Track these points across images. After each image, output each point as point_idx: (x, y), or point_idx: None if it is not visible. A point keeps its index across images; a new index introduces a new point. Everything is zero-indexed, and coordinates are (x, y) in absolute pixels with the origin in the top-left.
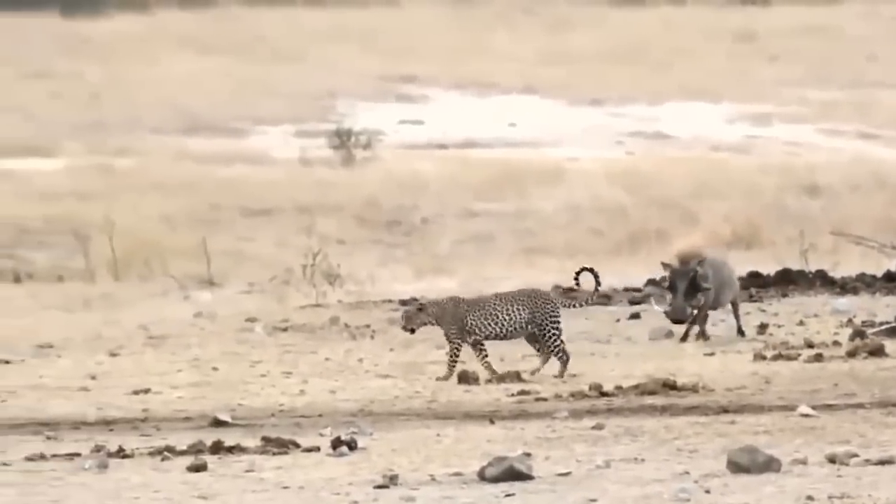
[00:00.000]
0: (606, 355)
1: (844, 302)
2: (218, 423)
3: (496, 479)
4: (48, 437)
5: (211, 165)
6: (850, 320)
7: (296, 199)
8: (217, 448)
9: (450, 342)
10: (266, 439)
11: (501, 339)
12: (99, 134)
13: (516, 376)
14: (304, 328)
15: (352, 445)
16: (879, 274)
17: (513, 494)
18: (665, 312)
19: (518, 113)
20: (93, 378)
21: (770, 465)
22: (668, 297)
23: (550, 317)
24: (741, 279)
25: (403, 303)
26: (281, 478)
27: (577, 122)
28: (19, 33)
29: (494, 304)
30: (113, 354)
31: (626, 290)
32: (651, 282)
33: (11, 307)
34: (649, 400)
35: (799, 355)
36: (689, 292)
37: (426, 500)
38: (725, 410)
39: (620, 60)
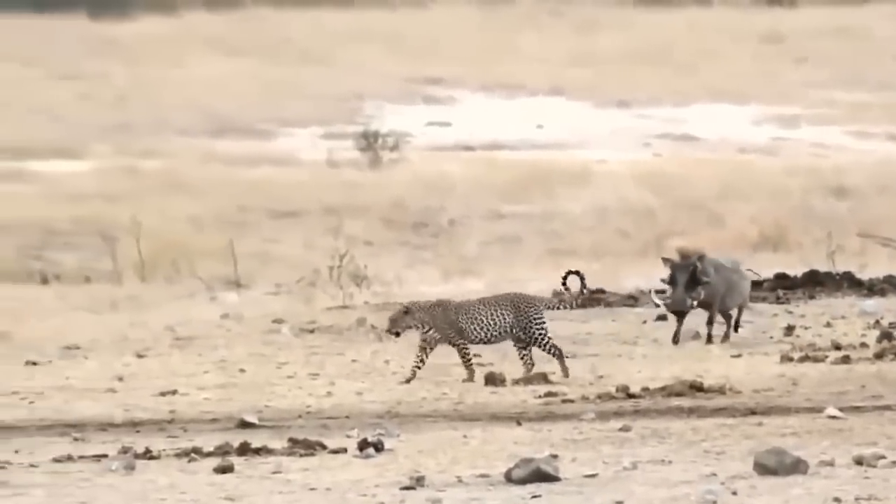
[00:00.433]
0: (633, 357)
1: (872, 303)
2: (245, 425)
3: (523, 481)
4: (75, 439)
5: (238, 167)
6: (877, 322)
7: (323, 201)
8: (244, 449)
9: (456, 346)
10: (293, 441)
11: (486, 343)
12: (126, 135)
13: (543, 378)
14: (330, 330)
15: (378, 447)
16: None
17: (539, 496)
18: (665, 304)
19: (545, 114)
20: (120, 379)
21: (797, 466)
22: (669, 290)
23: (534, 319)
24: (768, 281)
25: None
26: (308, 479)
27: (604, 124)
28: (47, 35)
29: (479, 308)
30: (140, 356)
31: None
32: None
33: (39, 308)
34: (676, 402)
35: (826, 357)
36: (689, 285)
37: (453, 501)
38: (752, 412)
39: (647, 62)
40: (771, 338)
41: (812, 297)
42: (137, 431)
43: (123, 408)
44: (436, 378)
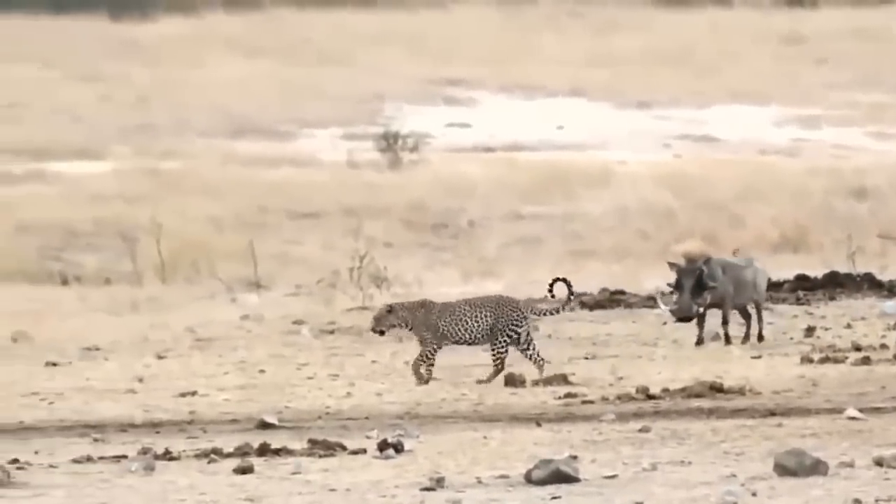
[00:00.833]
0: (653, 358)
1: (892, 304)
2: (264, 426)
3: (542, 482)
4: (95, 440)
5: (258, 168)
6: None
7: (343, 202)
8: (264, 450)
9: (423, 346)
10: (312, 441)
11: (469, 344)
12: (146, 136)
13: (563, 379)
14: (350, 331)
15: (398, 448)
16: None
17: (559, 497)
18: (671, 310)
19: (565, 116)
20: (140, 380)
21: (817, 467)
22: (675, 295)
23: (511, 324)
24: (788, 282)
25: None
26: (327, 480)
27: (624, 125)
28: (68, 36)
29: (463, 309)
30: (160, 357)
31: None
32: None
33: (59, 309)
34: (696, 403)
35: (846, 358)
36: (695, 290)
37: (472, 502)
38: (772, 413)
39: (667, 63)
40: (791, 339)
41: (832, 299)
42: (157, 432)
43: (143, 409)
44: (455, 379)
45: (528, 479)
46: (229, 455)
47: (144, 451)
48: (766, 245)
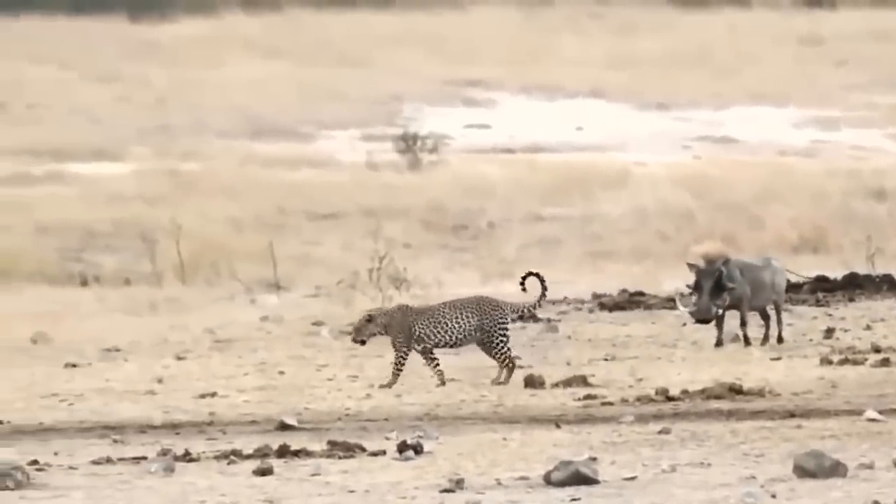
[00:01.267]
0: (673, 360)
1: None
2: (284, 427)
3: (562, 484)
4: (115, 441)
5: (277, 169)
6: None
7: (362, 203)
8: (283, 452)
9: (396, 350)
10: (332, 443)
11: (451, 346)
12: (165, 137)
13: (582, 381)
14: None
15: (418, 449)
16: None
17: (579, 499)
18: (690, 312)
19: (585, 117)
20: (159, 382)
21: (836, 469)
22: (694, 297)
23: (498, 324)
24: (808, 283)
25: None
26: (347, 482)
27: (643, 127)
28: (86, 37)
29: (443, 312)
30: (179, 358)
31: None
32: None
33: (79, 311)
34: (715, 404)
35: (866, 360)
36: (714, 292)
37: None
38: (792, 415)
39: (687, 64)
40: (810, 340)
41: (852, 300)
42: (177, 433)
43: (163, 410)
44: (475, 381)
45: (548, 481)
46: (249, 456)
47: (164, 453)
48: (785, 246)
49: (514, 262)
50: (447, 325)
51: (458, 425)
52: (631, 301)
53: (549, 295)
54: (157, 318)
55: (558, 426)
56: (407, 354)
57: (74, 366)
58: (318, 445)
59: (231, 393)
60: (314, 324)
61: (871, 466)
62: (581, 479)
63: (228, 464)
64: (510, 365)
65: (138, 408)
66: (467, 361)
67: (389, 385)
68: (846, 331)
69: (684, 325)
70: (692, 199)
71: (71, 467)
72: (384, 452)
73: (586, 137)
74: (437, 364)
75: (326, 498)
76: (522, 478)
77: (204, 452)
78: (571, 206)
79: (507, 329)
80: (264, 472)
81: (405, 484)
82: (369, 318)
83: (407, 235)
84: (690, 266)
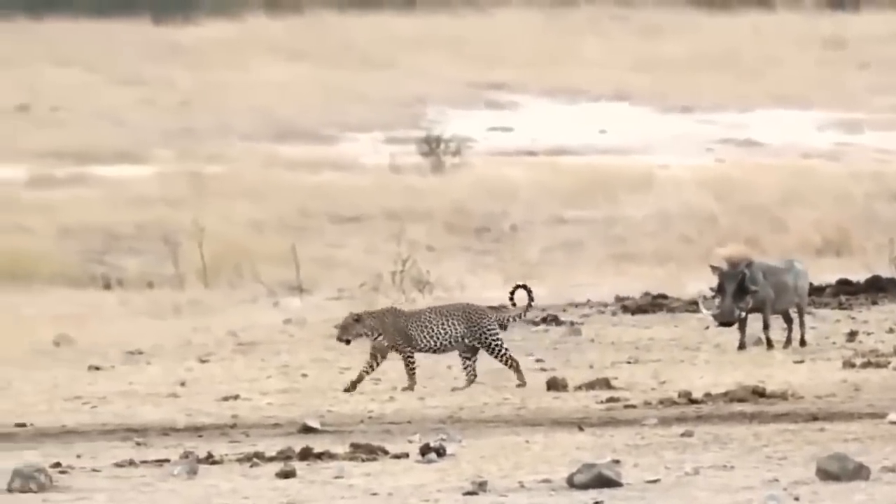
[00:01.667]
0: (696, 362)
1: None
2: (307, 430)
3: (585, 486)
4: (138, 444)
5: (300, 172)
6: None
7: (385, 206)
8: (306, 454)
9: (402, 353)
10: (355, 446)
11: (435, 352)
12: (189, 140)
13: (605, 384)
14: None
15: (440, 452)
16: None
17: (601, 502)
18: (713, 315)
19: (608, 120)
20: (182, 384)
21: (860, 472)
22: (717, 300)
23: (488, 329)
24: (830, 286)
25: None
26: (370, 484)
27: (667, 129)
28: (110, 40)
29: (430, 317)
30: (202, 361)
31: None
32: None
33: (102, 313)
34: (738, 407)
35: (889, 363)
36: (737, 295)
37: None
38: (815, 418)
39: (711, 67)
40: (833, 343)
41: (875, 303)
42: (200, 436)
43: (186, 413)
44: (497, 383)
45: (571, 484)
46: (272, 459)
47: (187, 455)
48: (808, 249)
49: (537, 265)
50: (434, 331)
51: (481, 428)
52: (654, 304)
53: (573, 297)
54: (180, 321)
55: (581, 429)
56: (412, 353)
57: (97, 368)
58: (340, 448)
59: (254, 395)
60: (337, 327)
61: (894, 469)
62: (604, 481)
63: (251, 466)
64: (515, 364)
65: (161, 410)
66: (490, 364)
67: (410, 387)
68: (869, 334)
69: (707, 328)
70: (715, 201)
71: (94, 470)
72: (407, 455)
73: (609, 140)
74: (413, 368)
75: (349, 501)
76: (545, 480)
77: (227, 455)
78: (594, 208)
79: (497, 333)
80: (287, 474)
81: (428, 487)
82: (356, 319)
83: (430, 238)
84: (714, 269)
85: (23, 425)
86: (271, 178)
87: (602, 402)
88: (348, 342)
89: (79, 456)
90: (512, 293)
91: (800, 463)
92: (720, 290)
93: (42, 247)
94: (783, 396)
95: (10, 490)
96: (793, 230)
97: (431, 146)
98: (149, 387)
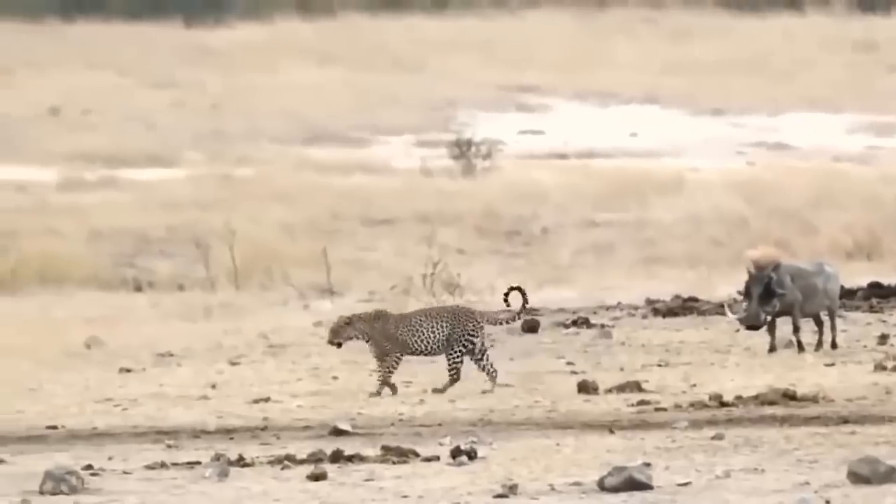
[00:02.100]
0: (726, 365)
1: None
2: (338, 432)
3: (616, 489)
4: (169, 446)
5: (331, 175)
6: None
7: (416, 209)
8: (337, 457)
9: (386, 357)
10: (386, 448)
11: (425, 354)
12: (220, 143)
13: (636, 386)
14: None
15: (471, 455)
16: None
17: None
18: (739, 319)
19: (639, 123)
20: (213, 387)
21: (891, 475)
22: (744, 303)
23: (466, 334)
24: (861, 289)
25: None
26: (400, 487)
27: (697, 133)
28: (142, 43)
29: (420, 320)
30: (233, 363)
31: None
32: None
33: (133, 316)
34: (769, 410)
35: None
36: (763, 298)
37: None
38: (846, 421)
39: (741, 71)
40: (864, 346)
41: None
42: (231, 438)
43: (217, 415)
44: (528, 386)
45: (602, 487)
46: (303, 461)
47: (218, 458)
48: (839, 252)
49: (568, 268)
50: (423, 334)
51: (512, 431)
52: (684, 307)
53: (604, 300)
54: (211, 324)
55: (612, 432)
56: (399, 360)
57: (128, 371)
58: (371, 450)
59: (285, 398)
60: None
61: None
62: (635, 484)
63: (282, 469)
64: (454, 377)
65: (192, 413)
66: (520, 366)
67: (378, 392)
68: None
69: (737, 330)
70: (746, 204)
71: (125, 472)
72: (438, 458)
73: (640, 143)
74: (390, 375)
75: (380, 503)
76: (576, 483)
77: (258, 457)
78: (625, 211)
79: (473, 340)
80: (318, 477)
81: (459, 489)
82: (348, 321)
83: (460, 241)
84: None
85: (54, 427)
86: (302, 181)
87: (633, 404)
88: (339, 345)
89: (110, 458)
90: (506, 295)
91: (831, 466)
92: (746, 293)
93: (73, 250)
94: (814, 399)
95: (41, 492)
96: (823, 233)
97: (462, 149)
98: (180, 389)
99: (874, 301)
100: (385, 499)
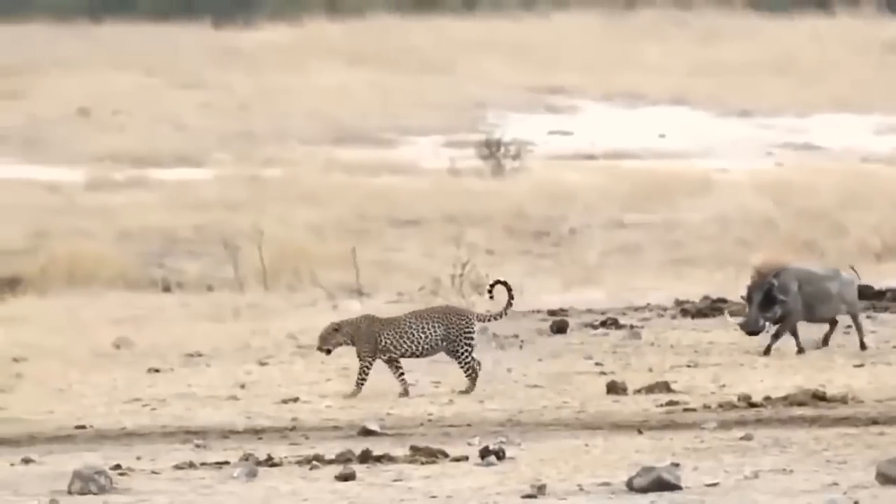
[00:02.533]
0: (755, 366)
1: None
2: (366, 433)
3: (644, 490)
4: (197, 446)
5: (359, 175)
6: None
7: (444, 209)
8: (366, 457)
9: (361, 360)
10: (414, 448)
11: (417, 356)
12: (248, 144)
13: (665, 387)
14: None
15: (500, 455)
16: None
17: None
18: (739, 324)
19: (667, 124)
20: (242, 387)
21: None
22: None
23: (464, 333)
24: (891, 290)
25: (552, 313)
26: (429, 487)
27: (726, 134)
28: (170, 44)
29: (409, 322)
30: (262, 363)
31: None
32: None
33: (161, 316)
34: (798, 411)
35: None
36: (763, 304)
37: None
38: (875, 422)
39: (770, 72)
40: (894, 348)
41: None
42: (259, 439)
43: (245, 415)
44: (557, 387)
45: (630, 487)
46: (331, 462)
47: (246, 458)
48: (867, 253)
49: (596, 269)
50: (413, 336)
51: (541, 431)
52: (713, 308)
53: (632, 301)
54: (239, 324)
55: (641, 432)
56: (371, 364)
57: (157, 371)
58: (400, 451)
59: (313, 398)
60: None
61: None
62: (663, 485)
63: (311, 469)
64: (473, 375)
65: (221, 413)
66: (549, 367)
67: (353, 395)
68: None
69: (768, 331)
70: (774, 206)
71: (153, 472)
72: (466, 458)
73: (668, 144)
74: (402, 374)
75: (409, 503)
76: (605, 484)
77: (286, 457)
78: (653, 212)
79: (472, 338)
80: (347, 477)
81: (487, 489)
82: (336, 328)
83: (489, 242)
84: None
85: (83, 427)
86: (330, 182)
87: (661, 405)
88: (328, 352)
89: (138, 458)
90: (491, 288)
91: (859, 467)
92: (748, 299)
93: (102, 250)
94: (843, 400)
95: (70, 492)
96: (852, 234)
97: (491, 150)
98: (208, 389)
99: None
100: (414, 499)
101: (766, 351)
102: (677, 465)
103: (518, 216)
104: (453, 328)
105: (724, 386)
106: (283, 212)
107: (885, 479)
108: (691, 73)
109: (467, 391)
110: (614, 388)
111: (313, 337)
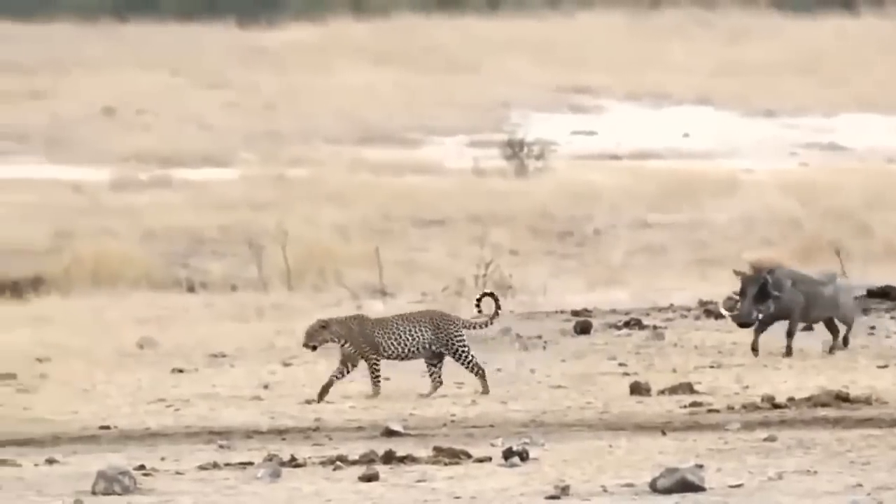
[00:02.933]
0: (779, 367)
1: None
2: (390, 433)
3: (668, 491)
4: (221, 446)
5: (384, 175)
6: None
7: (468, 210)
8: (389, 458)
9: (366, 360)
10: (438, 449)
11: (403, 359)
12: (273, 143)
13: (688, 388)
14: (475, 339)
15: (523, 456)
16: None
17: None
18: (732, 316)
19: (692, 124)
20: (266, 387)
21: None
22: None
23: (455, 336)
24: None
25: (575, 313)
26: (452, 488)
27: (751, 134)
28: (196, 43)
29: (398, 324)
30: (286, 364)
31: None
32: None
33: (185, 316)
34: (822, 412)
35: None
36: (758, 298)
37: None
38: None
39: (795, 72)
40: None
41: None
42: (283, 439)
43: (269, 415)
44: (581, 387)
45: (654, 488)
46: (355, 462)
47: (270, 458)
48: (893, 254)
49: (620, 269)
50: (401, 338)
51: (564, 432)
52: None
53: (656, 301)
54: (264, 324)
55: (664, 433)
56: (378, 361)
57: (181, 371)
58: (423, 451)
59: (337, 399)
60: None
61: None
62: (687, 486)
63: (334, 469)
64: (481, 372)
65: (245, 413)
66: (573, 368)
67: (375, 394)
68: None
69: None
70: (799, 206)
71: (178, 472)
72: (490, 459)
73: (693, 144)
74: (378, 375)
75: None
76: (628, 485)
77: (310, 458)
78: (678, 212)
79: (464, 339)
80: (370, 478)
81: (510, 490)
82: (323, 325)
83: (513, 242)
84: (737, 273)
85: (107, 428)
86: (355, 182)
87: (685, 406)
88: (314, 348)
89: (162, 458)
90: (479, 300)
91: (883, 468)
92: (742, 293)
93: (127, 250)
94: (867, 401)
95: (94, 492)
96: (878, 235)
97: (515, 150)
98: (232, 390)
99: None
100: (437, 499)
101: (787, 352)
102: (701, 466)
103: (542, 216)
104: (442, 332)
105: (747, 387)
106: (308, 212)
107: None
108: (716, 73)
109: (484, 391)
110: (638, 389)
111: None
